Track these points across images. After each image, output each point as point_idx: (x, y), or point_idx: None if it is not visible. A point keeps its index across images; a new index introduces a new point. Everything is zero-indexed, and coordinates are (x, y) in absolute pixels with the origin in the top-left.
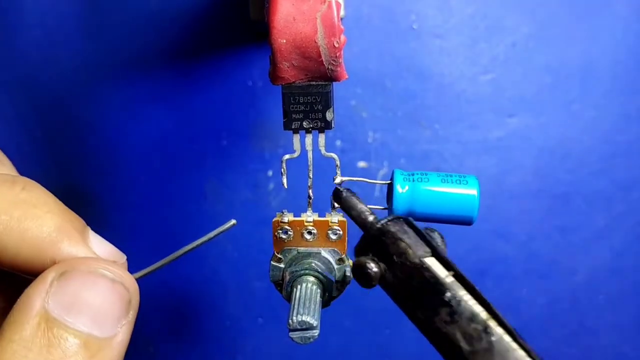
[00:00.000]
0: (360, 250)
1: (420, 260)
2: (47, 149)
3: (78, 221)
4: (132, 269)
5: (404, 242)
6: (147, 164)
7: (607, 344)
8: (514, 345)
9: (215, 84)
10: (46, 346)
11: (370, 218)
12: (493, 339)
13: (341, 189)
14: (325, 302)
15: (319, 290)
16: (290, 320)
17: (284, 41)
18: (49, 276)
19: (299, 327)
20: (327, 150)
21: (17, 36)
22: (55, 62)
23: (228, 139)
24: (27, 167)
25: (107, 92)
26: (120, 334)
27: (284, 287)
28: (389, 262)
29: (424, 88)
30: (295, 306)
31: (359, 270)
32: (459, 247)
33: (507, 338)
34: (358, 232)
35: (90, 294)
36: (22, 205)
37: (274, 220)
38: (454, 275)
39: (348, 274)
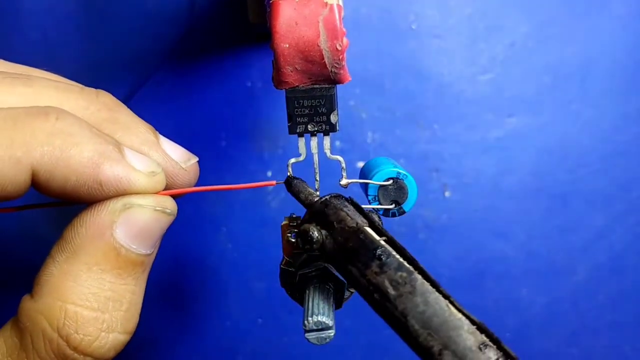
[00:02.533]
0: (305, 221)
1: (357, 224)
2: None
3: (114, 142)
4: None
5: (343, 211)
6: None
7: (607, 344)
8: (433, 289)
9: (214, 84)
10: (117, 269)
11: (316, 198)
12: (416, 283)
13: (292, 178)
14: (337, 304)
15: (331, 291)
16: (305, 322)
17: (287, 45)
18: (116, 208)
19: (315, 327)
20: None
21: (15, 38)
22: (53, 64)
23: (227, 140)
24: None
25: None
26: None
27: (296, 291)
28: (330, 229)
29: (422, 88)
30: (310, 307)
31: (303, 236)
32: (458, 247)
33: (427, 284)
34: None
35: (149, 225)
36: (60, 134)
37: (282, 224)
38: (385, 240)
39: None
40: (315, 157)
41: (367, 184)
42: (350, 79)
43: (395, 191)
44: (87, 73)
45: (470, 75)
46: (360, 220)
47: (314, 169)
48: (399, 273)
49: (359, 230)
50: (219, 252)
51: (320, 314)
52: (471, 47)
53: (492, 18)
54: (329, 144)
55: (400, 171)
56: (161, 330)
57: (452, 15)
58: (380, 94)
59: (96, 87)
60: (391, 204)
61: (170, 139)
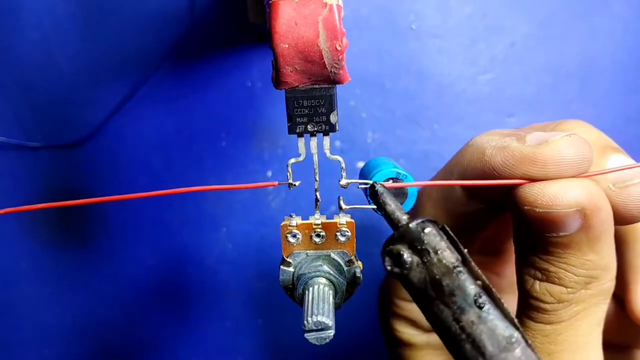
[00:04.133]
0: (395, 241)
1: (456, 261)
2: (46, 150)
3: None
4: (131, 267)
5: (443, 241)
6: (146, 165)
7: None
8: (535, 356)
9: (214, 84)
10: None
11: (405, 216)
12: (519, 346)
13: (377, 184)
14: (337, 305)
15: (331, 292)
16: (305, 322)
17: (287, 46)
18: None
19: (314, 327)
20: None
21: (14, 38)
22: (53, 64)
23: (227, 140)
24: (26, 169)
25: (106, 93)
26: None
27: (296, 291)
28: (424, 258)
29: (423, 88)
30: (309, 307)
31: (395, 257)
32: None
33: (530, 350)
34: (364, 234)
35: None
36: None
37: (282, 224)
38: (481, 285)
39: (358, 275)
40: (315, 158)
41: (366, 184)
42: (350, 79)
43: (395, 193)
44: (87, 73)
45: (470, 75)
46: (457, 255)
47: (314, 169)
48: (500, 329)
49: (457, 268)
50: (219, 252)
51: (320, 314)
52: (471, 47)
53: (492, 18)
54: (328, 144)
55: (400, 171)
56: (161, 330)
57: (452, 15)
58: (380, 94)
59: (96, 87)
60: None
61: (170, 139)
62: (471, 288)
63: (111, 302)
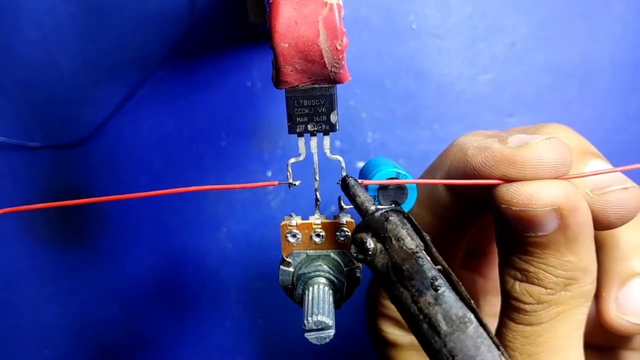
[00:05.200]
0: (360, 229)
1: (417, 247)
2: (46, 150)
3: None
4: (131, 267)
5: (404, 229)
6: (146, 165)
7: None
8: (487, 335)
9: (214, 85)
10: None
11: (373, 207)
12: (471, 325)
13: (349, 178)
14: (337, 304)
15: (331, 292)
16: (305, 321)
17: (287, 45)
18: None
19: (314, 327)
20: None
21: (14, 38)
22: (54, 64)
23: (227, 140)
24: (26, 168)
25: (106, 93)
26: None
27: (295, 291)
28: (386, 244)
29: (423, 88)
30: (309, 307)
31: (360, 244)
32: None
33: (481, 329)
34: None
35: None
36: None
37: (282, 224)
38: (440, 270)
39: (358, 275)
40: (315, 157)
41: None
42: (350, 78)
43: (395, 192)
44: (87, 73)
45: (471, 75)
46: (418, 242)
47: (314, 168)
48: (454, 310)
49: (417, 254)
50: (219, 252)
51: (320, 313)
52: (471, 47)
53: (492, 18)
54: (328, 144)
55: (400, 171)
56: (161, 330)
57: (452, 15)
58: (380, 93)
59: (96, 87)
60: (391, 205)
61: (170, 139)
62: (429, 272)
63: (111, 302)
